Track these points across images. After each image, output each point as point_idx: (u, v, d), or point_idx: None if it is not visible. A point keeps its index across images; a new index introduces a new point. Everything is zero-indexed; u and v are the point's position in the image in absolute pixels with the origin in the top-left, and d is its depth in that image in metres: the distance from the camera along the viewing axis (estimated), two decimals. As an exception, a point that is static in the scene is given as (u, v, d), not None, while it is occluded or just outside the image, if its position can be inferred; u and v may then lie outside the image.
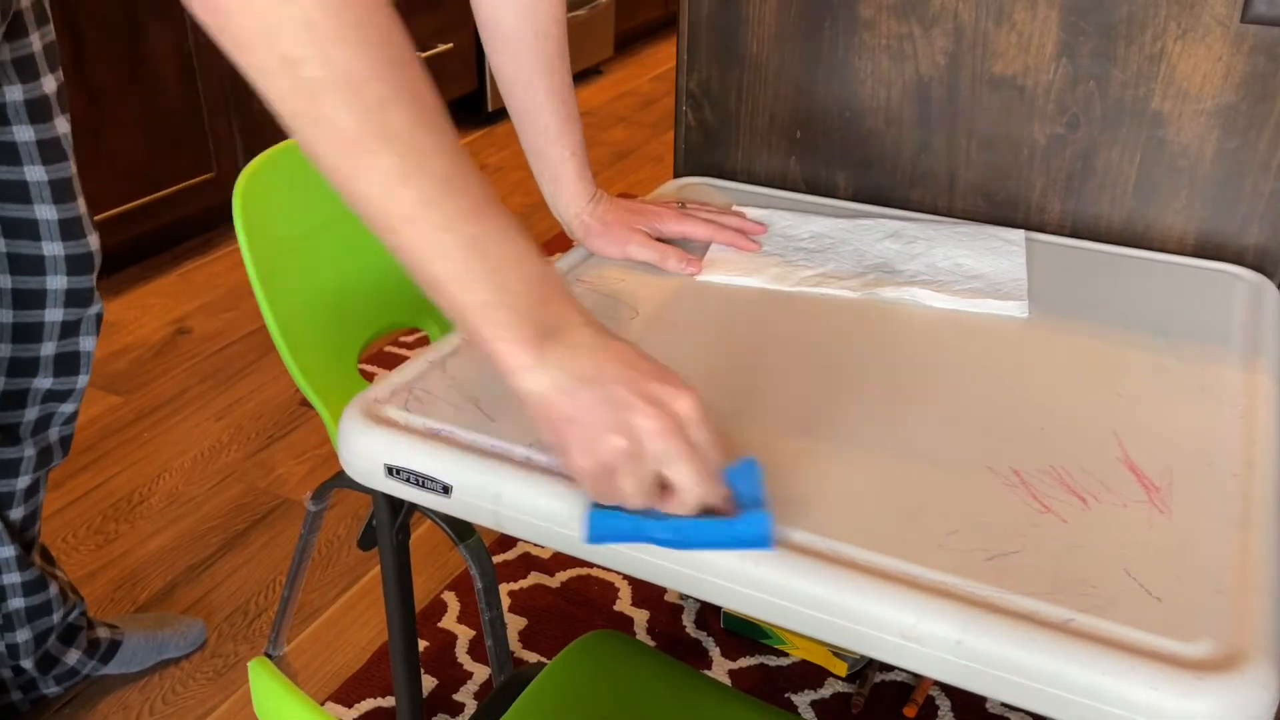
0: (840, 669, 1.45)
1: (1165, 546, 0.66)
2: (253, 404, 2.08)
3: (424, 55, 3.16)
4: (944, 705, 1.41)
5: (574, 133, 1.01)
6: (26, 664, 1.32)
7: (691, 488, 0.61)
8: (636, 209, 1.05)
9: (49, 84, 1.08)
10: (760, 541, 0.63)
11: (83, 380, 1.23)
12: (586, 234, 1.03)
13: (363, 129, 0.56)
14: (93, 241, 1.17)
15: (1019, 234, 1.09)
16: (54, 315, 1.17)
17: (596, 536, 0.65)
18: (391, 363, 2.19)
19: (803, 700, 1.42)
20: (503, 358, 0.61)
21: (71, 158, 1.13)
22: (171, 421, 2.03)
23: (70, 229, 1.14)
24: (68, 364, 1.21)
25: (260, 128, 2.66)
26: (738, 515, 0.63)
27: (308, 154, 0.58)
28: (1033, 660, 0.58)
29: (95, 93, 2.27)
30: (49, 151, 1.10)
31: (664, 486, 0.62)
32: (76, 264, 1.16)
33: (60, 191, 1.12)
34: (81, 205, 1.15)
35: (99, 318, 1.22)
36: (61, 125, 1.11)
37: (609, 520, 0.64)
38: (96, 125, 2.29)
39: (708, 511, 0.63)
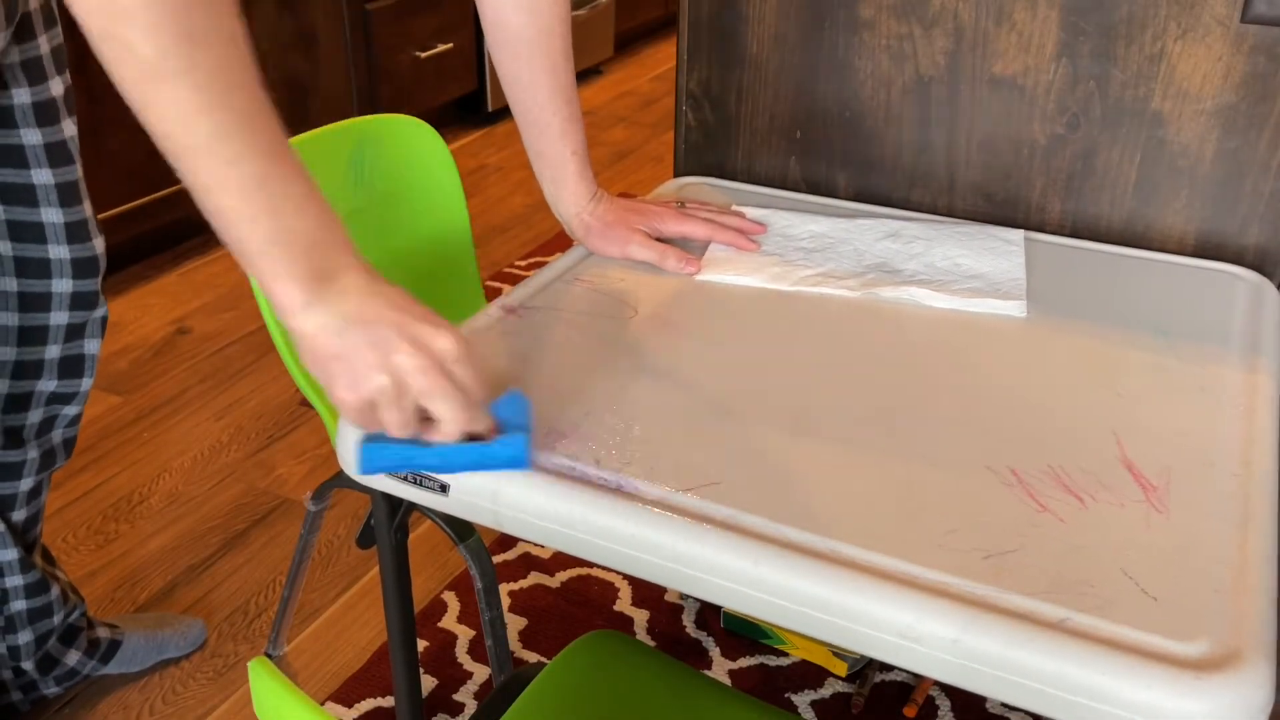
0: (840, 669, 1.45)
1: (1163, 546, 0.66)
2: (253, 404, 2.08)
3: (424, 55, 3.16)
4: (944, 705, 1.41)
5: (576, 132, 1.02)
6: (27, 665, 1.32)
7: (451, 419, 0.66)
8: (637, 209, 1.05)
9: (56, 86, 1.08)
10: (517, 462, 0.69)
11: (86, 383, 1.23)
12: (587, 233, 1.04)
13: (162, 60, 0.58)
14: (98, 245, 1.17)
15: (1018, 234, 1.09)
16: (59, 318, 1.17)
17: (369, 467, 0.70)
18: (392, 363, 2.18)
19: (803, 700, 1.42)
20: (278, 296, 0.64)
21: (78, 160, 1.13)
22: (171, 421, 2.03)
23: (76, 232, 1.14)
24: (72, 367, 1.21)
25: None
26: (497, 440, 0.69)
27: (111, 76, 0.59)
28: (1031, 660, 0.59)
29: (95, 93, 2.27)
30: (56, 154, 1.10)
31: (428, 419, 0.68)
32: (82, 267, 1.16)
33: (67, 195, 1.12)
34: (88, 208, 1.15)
35: (104, 321, 1.22)
36: (69, 128, 1.11)
37: (380, 452, 0.69)
38: (97, 125, 2.29)
39: (473, 439, 0.69)
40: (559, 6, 0.97)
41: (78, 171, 1.13)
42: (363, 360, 0.65)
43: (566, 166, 1.02)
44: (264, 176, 0.62)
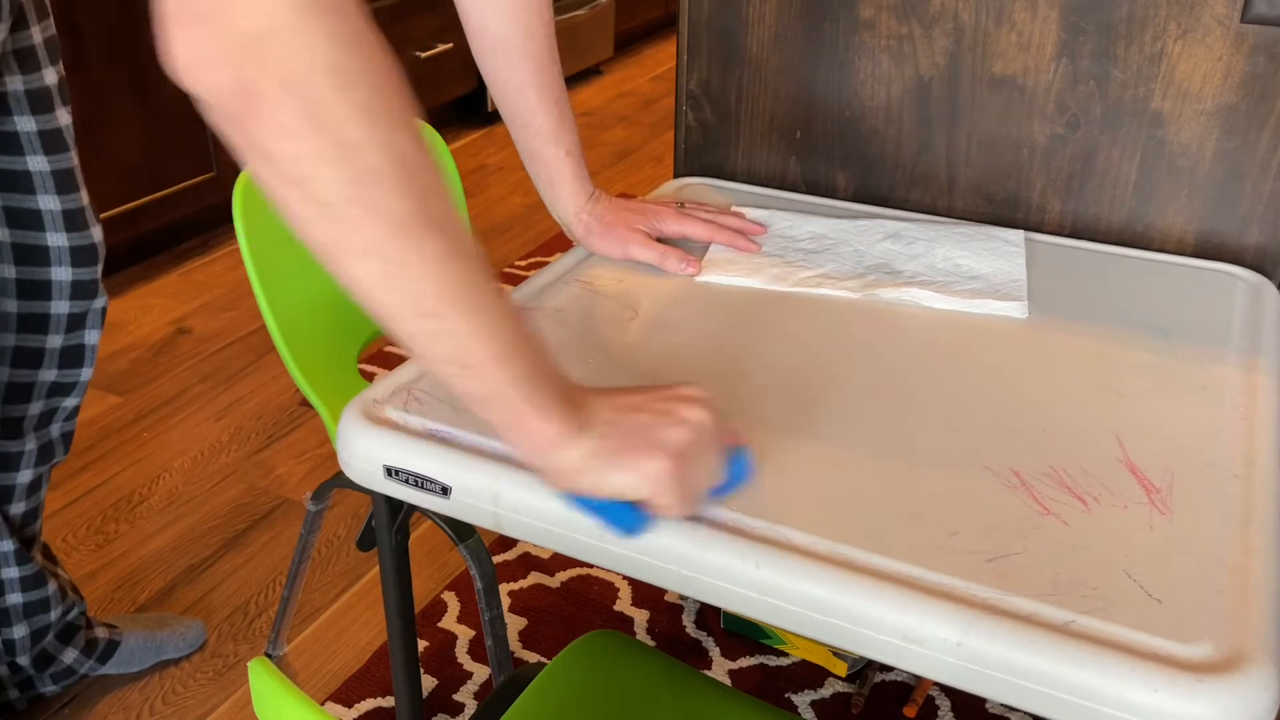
0: (840, 669, 1.45)
1: (1165, 548, 0.66)
2: (253, 404, 2.08)
3: (424, 55, 3.16)
4: (944, 705, 1.41)
5: (569, 132, 1.01)
6: (23, 661, 1.32)
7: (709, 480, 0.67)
8: (636, 209, 1.05)
9: (50, 76, 1.09)
10: (631, 532, 0.67)
11: (86, 373, 1.24)
12: (587, 234, 1.03)
13: (415, 212, 0.54)
14: (96, 233, 1.18)
15: (1018, 234, 1.09)
16: (60, 307, 1.18)
17: (628, 527, 0.66)
18: (391, 363, 2.19)
19: (803, 700, 1.42)
20: (539, 433, 0.62)
21: (73, 149, 1.13)
22: (171, 421, 2.03)
23: (74, 220, 1.15)
24: (72, 357, 1.22)
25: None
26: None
27: (338, 243, 0.54)
28: (1033, 662, 0.58)
29: (95, 92, 2.27)
30: (51, 142, 1.10)
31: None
32: (81, 255, 1.17)
33: (63, 182, 1.13)
34: (84, 197, 1.16)
35: (104, 311, 1.22)
36: (63, 117, 1.11)
37: (614, 512, 0.66)
38: (96, 125, 2.28)
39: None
40: (541, 8, 0.97)
41: (73, 160, 1.13)
42: (649, 435, 0.64)
43: (561, 167, 1.02)
44: (508, 317, 0.59)
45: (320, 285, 1.20)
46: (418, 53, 3.14)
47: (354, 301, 0.57)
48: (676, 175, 1.33)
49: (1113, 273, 1.04)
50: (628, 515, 0.65)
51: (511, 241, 2.79)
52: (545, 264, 1.04)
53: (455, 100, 3.52)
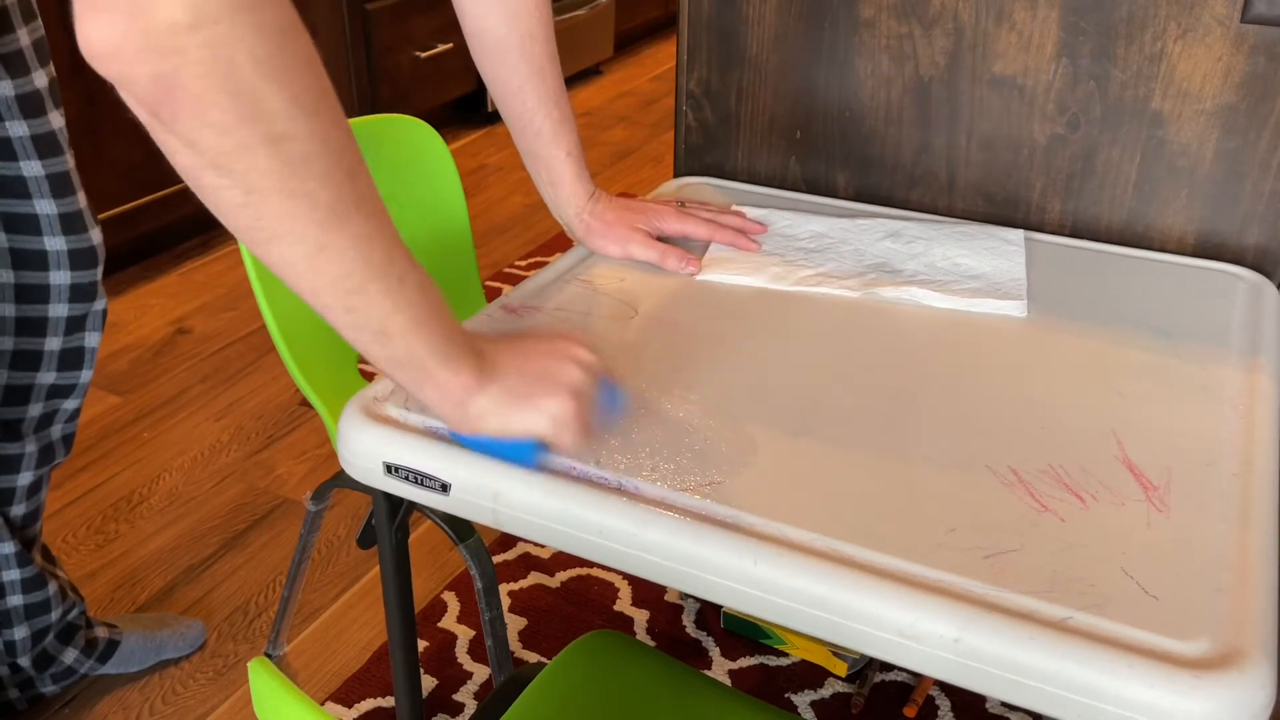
0: (840, 669, 1.45)
1: (1164, 546, 0.66)
2: (253, 404, 2.08)
3: (424, 55, 3.16)
4: (944, 705, 1.41)
5: (569, 133, 1.02)
6: (23, 662, 1.32)
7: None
8: (637, 208, 1.05)
9: (40, 79, 1.09)
10: (527, 464, 0.73)
11: (86, 375, 1.24)
12: (588, 233, 1.04)
13: (340, 198, 0.57)
14: (94, 236, 1.18)
15: (1018, 234, 1.09)
16: (58, 310, 1.18)
17: (529, 459, 0.72)
18: (391, 363, 2.18)
19: (803, 700, 1.42)
20: (454, 389, 0.67)
21: (68, 152, 1.13)
22: (171, 421, 2.03)
23: (71, 223, 1.15)
24: (72, 359, 1.21)
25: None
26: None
27: (266, 228, 0.56)
28: (1031, 659, 0.59)
29: (94, 93, 2.27)
30: (44, 146, 1.10)
31: None
32: (79, 258, 1.16)
33: (59, 186, 1.12)
34: (82, 200, 1.16)
35: (104, 313, 1.22)
36: (55, 120, 1.11)
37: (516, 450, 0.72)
38: (96, 125, 2.29)
39: None
40: (540, 9, 0.97)
41: (68, 163, 1.13)
42: (550, 378, 0.70)
43: (562, 168, 1.02)
44: (421, 282, 0.63)
45: (320, 285, 1.20)
46: (418, 53, 3.14)
47: (277, 278, 0.59)
48: (676, 175, 1.33)
49: (1113, 273, 1.04)
50: (527, 451, 0.71)
51: (511, 241, 2.79)
52: (545, 264, 1.04)
53: (455, 100, 3.52)
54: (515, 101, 0.99)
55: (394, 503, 0.87)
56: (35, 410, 1.22)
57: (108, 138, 2.31)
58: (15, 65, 1.06)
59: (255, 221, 0.56)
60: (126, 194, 2.39)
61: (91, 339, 1.22)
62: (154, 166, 2.42)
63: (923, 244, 1.06)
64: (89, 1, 0.48)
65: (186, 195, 2.54)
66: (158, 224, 2.51)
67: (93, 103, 2.27)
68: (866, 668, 1.45)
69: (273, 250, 0.57)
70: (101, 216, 2.34)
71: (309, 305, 0.61)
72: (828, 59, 1.20)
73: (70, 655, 1.36)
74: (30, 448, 1.23)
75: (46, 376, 1.20)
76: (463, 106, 3.58)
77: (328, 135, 0.55)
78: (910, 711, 1.39)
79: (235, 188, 0.54)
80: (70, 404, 1.24)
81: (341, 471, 0.82)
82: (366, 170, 0.59)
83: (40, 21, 1.10)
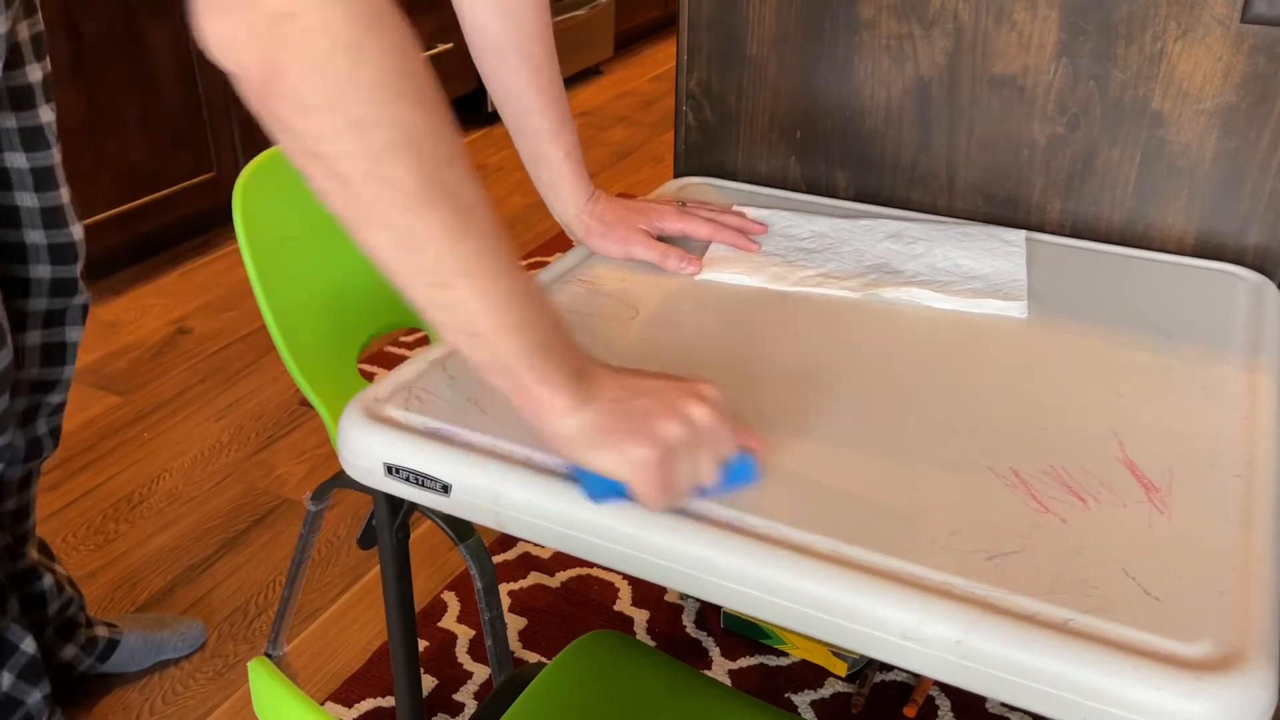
0: (840, 669, 1.45)
1: (1166, 547, 0.66)
2: (253, 404, 2.08)
3: (424, 55, 3.16)
4: (944, 705, 1.41)
5: (568, 134, 1.01)
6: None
7: (711, 471, 0.67)
8: (637, 208, 1.05)
9: (34, 73, 1.09)
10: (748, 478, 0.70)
11: (69, 370, 1.23)
12: (588, 234, 1.04)
13: (427, 186, 0.56)
14: (76, 231, 1.17)
15: (1019, 234, 1.09)
16: (38, 304, 1.18)
17: (596, 495, 0.69)
18: (391, 363, 2.19)
19: (803, 700, 1.42)
20: (544, 402, 0.64)
21: (55, 147, 1.12)
22: (171, 421, 2.03)
23: (52, 217, 1.14)
24: (53, 354, 1.21)
25: (260, 128, 2.66)
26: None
27: (356, 215, 0.56)
28: (1033, 661, 0.58)
29: (95, 93, 2.27)
30: (31, 139, 1.10)
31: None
32: (59, 253, 1.16)
33: (42, 180, 1.12)
34: (65, 195, 1.15)
35: (85, 308, 1.22)
36: (45, 114, 1.11)
37: (596, 482, 0.68)
38: (96, 125, 2.28)
39: None
40: (539, 10, 0.97)
41: (54, 158, 1.12)
42: (645, 422, 0.65)
43: (561, 168, 1.02)
44: (517, 291, 0.61)
45: (320, 285, 1.21)
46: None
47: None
48: (676, 175, 1.33)
49: (1113, 272, 1.04)
50: (604, 487, 0.67)
51: (511, 241, 2.78)
52: (545, 264, 1.04)
53: (455, 100, 3.52)
54: (515, 102, 0.99)
55: (394, 504, 0.87)
56: (19, 405, 1.21)
57: (108, 138, 2.31)
58: (10, 57, 1.06)
59: (347, 209, 0.57)
60: (126, 194, 2.39)
61: (73, 333, 1.22)
62: (154, 166, 2.42)
63: (923, 245, 1.06)
64: (209, 2, 0.51)
65: (186, 195, 2.54)
66: (158, 224, 2.51)
67: (94, 102, 2.26)
68: (866, 668, 1.45)
69: (364, 237, 0.58)
70: (101, 216, 2.34)
71: (411, 304, 0.60)
72: (828, 59, 1.20)
73: (70, 652, 1.36)
74: (18, 441, 1.22)
75: (29, 371, 1.20)
76: (463, 106, 3.57)
77: (415, 121, 0.56)
78: (910, 711, 1.39)
79: (329, 175, 0.56)
80: (55, 398, 1.24)
81: (341, 472, 0.82)
82: (465, 161, 0.58)
83: (40, 16, 1.10)
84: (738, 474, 0.69)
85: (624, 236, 1.02)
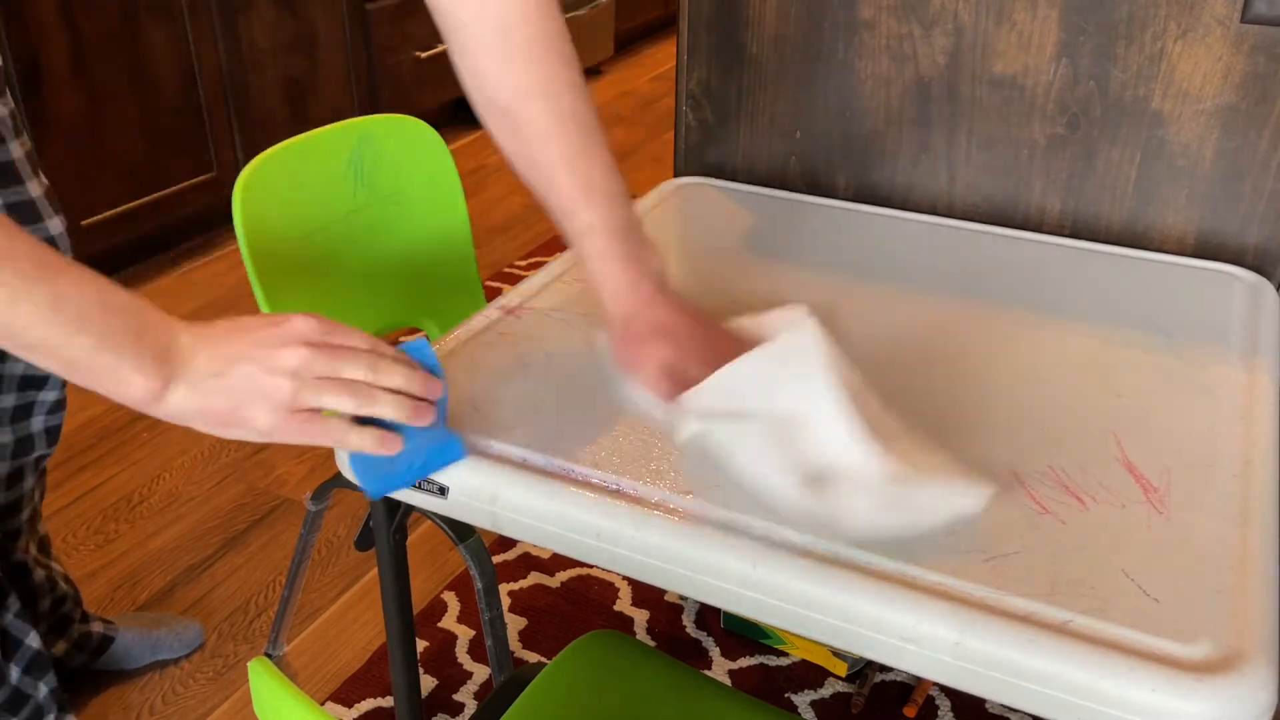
0: (840, 669, 1.45)
1: (1164, 547, 0.66)
2: (253, 404, 2.08)
3: (424, 55, 3.16)
4: (944, 705, 1.41)
5: (603, 204, 0.83)
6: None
7: (368, 374, 0.67)
8: (674, 335, 0.79)
9: (15, 149, 1.07)
10: (456, 456, 0.73)
11: None
12: (614, 341, 0.82)
13: None
14: (53, 225, 1.14)
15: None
16: None
17: (376, 490, 0.73)
18: (391, 363, 2.18)
19: (803, 700, 1.42)
20: (135, 392, 0.63)
21: (15, 140, 1.10)
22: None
23: (21, 213, 1.12)
24: None
25: (260, 128, 2.66)
26: (433, 429, 0.71)
27: None
28: (1032, 662, 0.58)
29: (95, 93, 2.27)
30: (17, 212, 1.08)
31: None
32: None
33: (4, 173, 1.10)
34: (33, 189, 1.12)
35: None
36: (34, 189, 1.09)
37: (374, 481, 0.72)
38: (96, 125, 2.29)
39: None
40: (575, 76, 0.81)
41: (12, 152, 1.10)
42: (256, 388, 0.65)
43: (588, 242, 0.83)
44: (55, 297, 0.60)
45: (320, 285, 1.21)
46: (418, 53, 3.14)
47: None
48: (676, 175, 1.33)
49: (1113, 272, 1.04)
50: (378, 481, 0.72)
51: (511, 242, 2.79)
52: (545, 264, 1.04)
53: (455, 100, 3.52)
54: (541, 179, 0.85)
55: (392, 506, 0.87)
56: (8, 400, 1.21)
57: (108, 138, 2.31)
58: None
59: None
60: (126, 194, 2.39)
61: None
62: (154, 166, 2.42)
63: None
64: None
65: (186, 195, 2.54)
66: (158, 224, 2.51)
67: (94, 102, 2.26)
68: (866, 668, 1.45)
69: None
70: (101, 216, 2.34)
71: None
72: (828, 59, 1.20)
73: (61, 648, 1.36)
74: (5, 437, 1.22)
75: (15, 366, 1.19)
76: (463, 106, 3.57)
77: None
78: (910, 711, 1.39)
79: None
80: (48, 395, 1.23)
81: (340, 472, 0.82)
82: None
83: (10, 96, 1.08)
84: (444, 452, 0.72)
85: (638, 360, 0.79)
